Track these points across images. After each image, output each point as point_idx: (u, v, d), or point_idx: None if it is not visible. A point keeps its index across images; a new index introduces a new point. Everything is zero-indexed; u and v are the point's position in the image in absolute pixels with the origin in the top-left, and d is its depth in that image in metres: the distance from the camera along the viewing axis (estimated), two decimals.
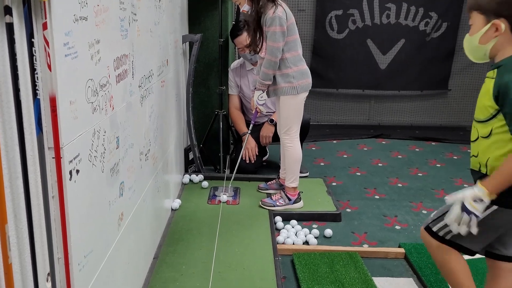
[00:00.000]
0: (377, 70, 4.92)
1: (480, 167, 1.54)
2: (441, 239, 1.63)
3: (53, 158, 1.15)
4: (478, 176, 1.56)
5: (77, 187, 1.26)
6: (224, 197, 2.91)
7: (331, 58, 4.86)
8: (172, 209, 2.79)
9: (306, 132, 3.45)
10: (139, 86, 1.95)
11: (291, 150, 2.80)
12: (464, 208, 1.46)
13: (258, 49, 2.73)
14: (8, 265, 0.91)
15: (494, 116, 1.46)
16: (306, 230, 2.62)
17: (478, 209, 1.43)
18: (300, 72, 2.69)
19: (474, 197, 1.44)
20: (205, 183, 3.16)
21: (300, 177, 2.97)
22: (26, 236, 1.05)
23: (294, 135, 2.79)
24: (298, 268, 2.25)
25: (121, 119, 1.68)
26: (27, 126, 1.04)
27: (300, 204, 2.88)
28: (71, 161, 1.22)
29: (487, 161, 1.50)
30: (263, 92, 2.72)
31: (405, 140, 4.60)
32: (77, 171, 1.26)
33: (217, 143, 3.47)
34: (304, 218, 2.81)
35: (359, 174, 3.69)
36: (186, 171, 3.37)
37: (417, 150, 4.35)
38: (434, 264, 2.28)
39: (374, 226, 2.80)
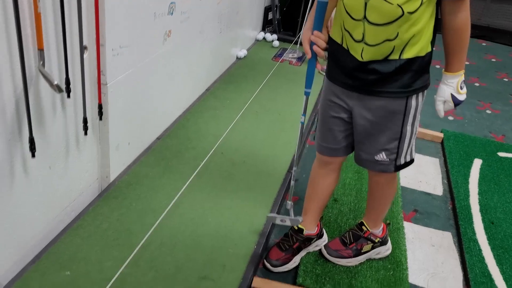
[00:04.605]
0: None
1: (392, 51, 1.19)
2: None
3: None
4: (382, 66, 1.21)
5: None
6: (289, 56, 3.02)
7: None
8: (237, 57, 3.00)
9: None
10: None
11: None
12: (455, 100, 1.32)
13: None
14: (37, 14, 1.17)
15: None
16: None
17: (465, 92, 1.32)
18: None
19: (460, 84, 1.30)
20: (276, 43, 3.29)
21: None
22: None
23: None
24: None
25: None
26: None
27: None
28: None
29: (410, 39, 1.17)
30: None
31: (507, 46, 4.22)
32: None
33: (298, 9, 3.50)
34: None
35: (438, 67, 3.55)
36: (263, 29, 3.50)
37: None
38: (462, 152, 2.29)
39: (428, 113, 2.77)
